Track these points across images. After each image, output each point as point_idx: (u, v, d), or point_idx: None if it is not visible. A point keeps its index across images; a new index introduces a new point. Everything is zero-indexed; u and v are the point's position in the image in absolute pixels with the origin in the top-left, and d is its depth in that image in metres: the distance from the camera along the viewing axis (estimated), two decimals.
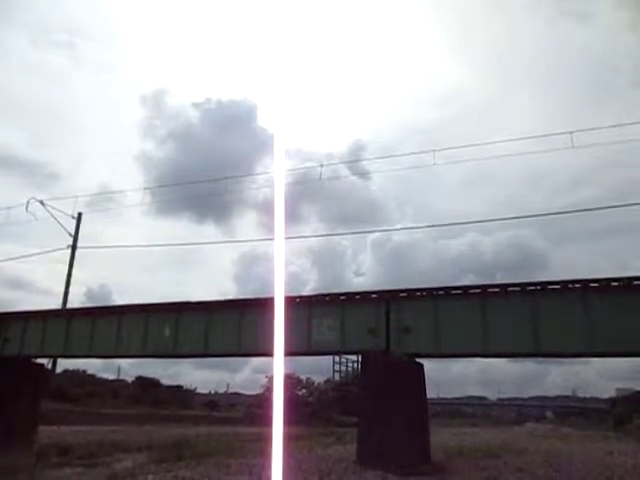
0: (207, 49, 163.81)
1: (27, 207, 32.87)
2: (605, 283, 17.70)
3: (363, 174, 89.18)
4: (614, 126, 21.50)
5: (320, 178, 25.66)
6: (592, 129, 22.67)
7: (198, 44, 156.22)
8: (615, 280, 17.67)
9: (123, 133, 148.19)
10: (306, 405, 59.04)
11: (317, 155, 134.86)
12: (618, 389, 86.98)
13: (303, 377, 65.35)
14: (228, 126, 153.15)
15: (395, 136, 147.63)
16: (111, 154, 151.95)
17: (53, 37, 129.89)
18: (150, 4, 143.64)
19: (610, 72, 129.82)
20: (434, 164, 24.17)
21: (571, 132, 19.59)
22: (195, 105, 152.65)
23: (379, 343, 19.38)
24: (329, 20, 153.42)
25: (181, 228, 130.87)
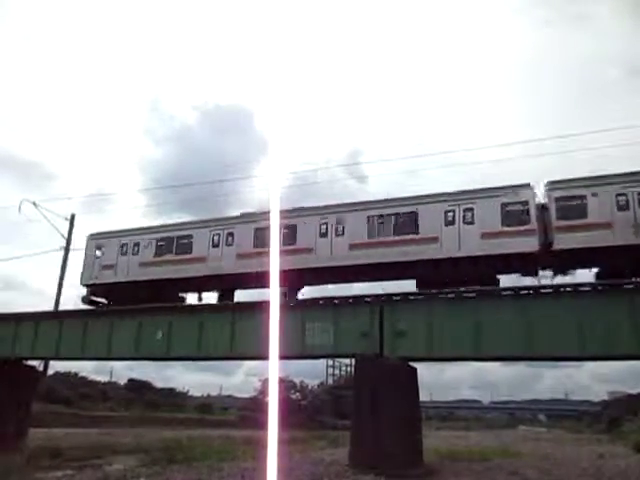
0: (207, 53, 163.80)
1: (20, 208, 32.41)
2: (596, 287, 17.83)
3: (360, 178, 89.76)
4: (604, 130, 21.69)
5: (315, 180, 25.86)
6: (581, 134, 22.80)
7: (199, 47, 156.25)
8: (606, 284, 17.78)
9: (121, 134, 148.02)
10: (300, 408, 58.90)
11: (316, 160, 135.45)
12: (610, 392, 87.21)
13: (297, 380, 65.28)
14: (226, 129, 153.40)
15: (390, 142, 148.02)
16: (108, 155, 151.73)
17: (50, 35, 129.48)
18: (151, 7, 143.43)
19: (602, 77, 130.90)
20: (424, 169, 24.26)
21: (560, 137, 19.75)
22: (193, 108, 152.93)
23: (373, 347, 19.37)
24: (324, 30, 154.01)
25: None
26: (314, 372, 64.12)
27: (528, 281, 19.99)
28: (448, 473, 19.06)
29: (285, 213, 22.31)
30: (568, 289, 18.21)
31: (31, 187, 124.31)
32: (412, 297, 20.16)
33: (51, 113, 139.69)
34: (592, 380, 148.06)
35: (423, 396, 23.40)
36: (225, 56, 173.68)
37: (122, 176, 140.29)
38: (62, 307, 32.49)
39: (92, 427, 40.63)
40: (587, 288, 17.99)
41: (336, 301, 21.21)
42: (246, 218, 23.82)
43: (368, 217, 21.21)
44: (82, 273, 26.41)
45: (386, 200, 21.50)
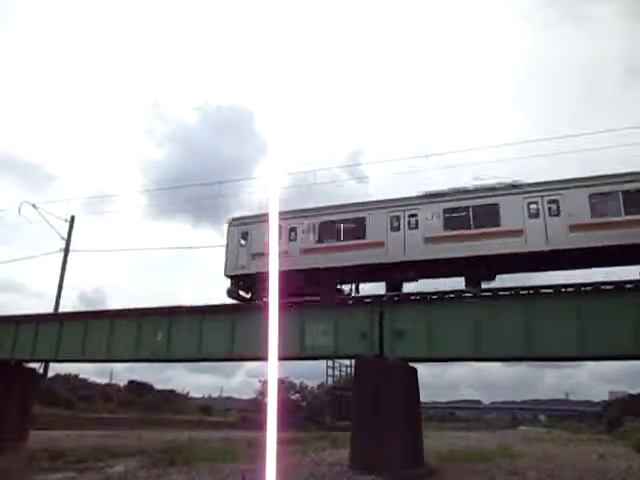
0: (208, 53, 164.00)
1: (19, 210, 32.41)
2: (597, 287, 17.82)
3: (360, 178, 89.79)
4: (602, 131, 21.72)
5: (314, 180, 25.44)
6: (578, 135, 22.79)
7: (199, 48, 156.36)
8: (607, 284, 17.77)
9: (122, 135, 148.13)
10: (300, 409, 58.90)
11: (316, 160, 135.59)
12: (611, 392, 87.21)
13: (297, 381, 65.28)
14: (227, 129, 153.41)
15: (390, 143, 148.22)
16: (109, 156, 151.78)
17: (51, 35, 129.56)
18: (152, 8, 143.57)
19: (602, 77, 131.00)
20: (425, 170, 24.22)
21: (557, 138, 19.68)
22: (194, 109, 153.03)
23: (372, 347, 19.38)
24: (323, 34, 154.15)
25: (177, 231, 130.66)
26: (314, 373, 64.09)
27: None
28: (449, 473, 19.07)
29: (479, 191, 20.30)
30: (570, 289, 18.18)
31: (31, 188, 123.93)
32: (412, 298, 20.16)
33: (52, 114, 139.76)
34: (592, 380, 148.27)
35: (423, 397, 23.32)
36: (226, 57, 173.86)
37: (123, 177, 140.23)
38: (62, 309, 32.53)
39: (93, 429, 40.61)
40: (588, 288, 17.97)
41: (336, 302, 21.21)
42: (432, 198, 20.97)
43: (590, 195, 18.75)
44: (225, 263, 23.58)
45: (610, 176, 18.81)
